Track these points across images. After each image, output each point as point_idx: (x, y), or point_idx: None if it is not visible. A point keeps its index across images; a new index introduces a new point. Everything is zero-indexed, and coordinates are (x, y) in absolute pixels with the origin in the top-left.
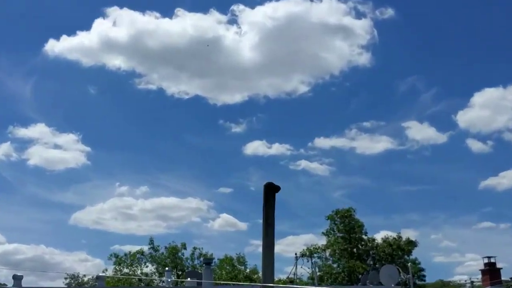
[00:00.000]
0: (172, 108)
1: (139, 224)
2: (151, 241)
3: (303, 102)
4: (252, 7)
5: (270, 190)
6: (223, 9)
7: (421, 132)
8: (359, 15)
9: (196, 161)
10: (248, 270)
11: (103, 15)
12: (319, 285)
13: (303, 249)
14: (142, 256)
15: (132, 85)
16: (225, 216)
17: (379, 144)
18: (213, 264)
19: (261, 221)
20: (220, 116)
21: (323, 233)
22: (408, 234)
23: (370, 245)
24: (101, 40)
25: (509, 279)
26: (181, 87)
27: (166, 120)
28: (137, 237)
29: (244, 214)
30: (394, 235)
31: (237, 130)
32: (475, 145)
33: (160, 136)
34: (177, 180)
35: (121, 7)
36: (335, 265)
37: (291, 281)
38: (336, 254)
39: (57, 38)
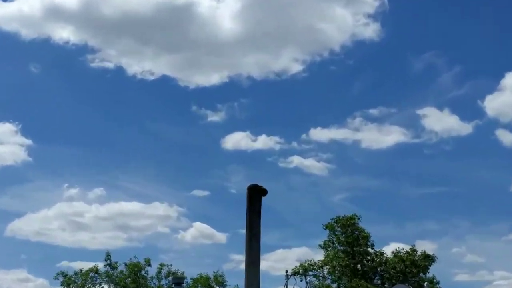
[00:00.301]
0: (134, 91)
1: (93, 236)
2: (108, 257)
3: (296, 84)
4: None
5: (255, 194)
6: None
7: (440, 122)
8: None
9: (164, 157)
10: None
11: None
12: None
13: (296, 266)
14: (96, 275)
15: (84, 63)
16: (199, 225)
17: (389, 137)
18: (184, 284)
19: (243, 231)
20: (193, 102)
21: (320, 246)
22: (424, 246)
23: (378, 260)
24: (45, 6)
25: None
26: (144, 65)
27: (127, 106)
28: (90, 251)
29: (223, 222)
30: (407, 248)
31: (215, 119)
32: (507, 137)
33: (119, 126)
34: (140, 181)
35: None
36: (334, 285)
37: None
38: (336, 271)
39: None
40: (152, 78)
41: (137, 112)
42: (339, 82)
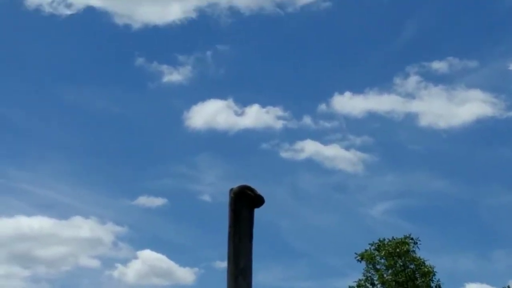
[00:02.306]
0: (38, 33)
1: None
2: None
3: (309, 22)
4: None
5: (244, 203)
6: None
7: None
8: None
9: (90, 143)
10: None
11: None
12: None
13: None
14: None
15: None
16: (149, 254)
17: (463, 107)
18: None
19: (223, 264)
20: (138, 51)
21: None
22: None
23: None
24: None
25: None
26: None
27: (26, 58)
28: None
29: (190, 251)
30: None
31: (175, 79)
32: None
33: (13, 91)
34: (49, 181)
35: None
36: None
37: None
38: None
39: None
40: (68, 12)
41: (44, 68)
42: (383, 18)
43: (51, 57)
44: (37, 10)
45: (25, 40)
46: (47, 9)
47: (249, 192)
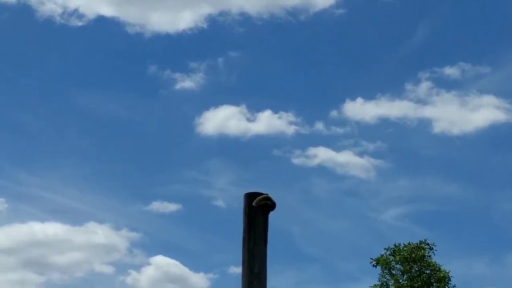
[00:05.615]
0: (51, 44)
1: None
2: None
3: (322, 28)
4: None
5: (257, 208)
6: None
7: None
8: None
9: (104, 149)
10: None
11: None
12: None
13: None
14: None
15: None
16: (162, 260)
17: (478, 114)
18: None
19: (238, 270)
20: (151, 58)
21: None
22: None
23: None
24: None
25: None
26: (67, 0)
27: (40, 66)
28: None
29: (203, 256)
30: None
31: (187, 86)
32: None
33: (26, 99)
34: (63, 187)
35: None
36: None
37: None
38: None
39: None
40: (80, 23)
41: (58, 76)
42: (394, 25)
43: (64, 65)
44: (49, 22)
45: (37, 49)
46: (59, 20)
47: (262, 198)
